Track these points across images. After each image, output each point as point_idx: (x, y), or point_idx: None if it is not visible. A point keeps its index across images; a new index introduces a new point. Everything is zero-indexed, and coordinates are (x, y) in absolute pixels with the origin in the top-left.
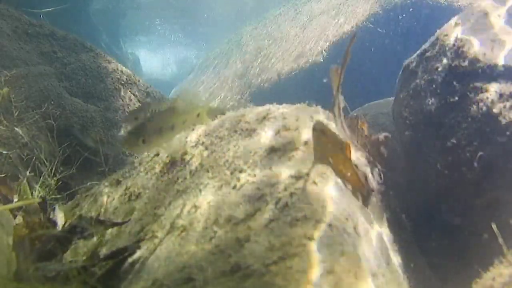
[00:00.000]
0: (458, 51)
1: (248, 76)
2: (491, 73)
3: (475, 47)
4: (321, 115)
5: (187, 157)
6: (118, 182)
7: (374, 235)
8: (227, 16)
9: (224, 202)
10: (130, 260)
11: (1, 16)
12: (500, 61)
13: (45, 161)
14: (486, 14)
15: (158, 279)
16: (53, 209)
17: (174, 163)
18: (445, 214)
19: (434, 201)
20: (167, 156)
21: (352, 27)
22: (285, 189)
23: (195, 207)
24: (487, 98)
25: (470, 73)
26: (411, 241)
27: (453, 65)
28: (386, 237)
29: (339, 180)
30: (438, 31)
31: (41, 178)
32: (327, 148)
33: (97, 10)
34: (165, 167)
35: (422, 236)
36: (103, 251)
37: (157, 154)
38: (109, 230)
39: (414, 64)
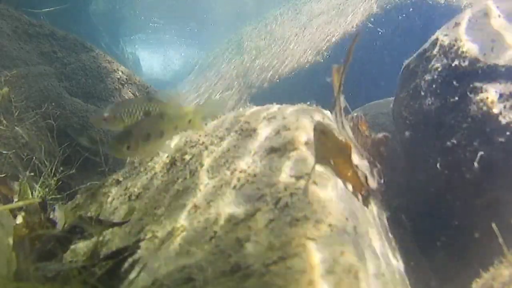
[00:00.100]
0: (458, 51)
1: (248, 76)
2: (491, 73)
3: (475, 47)
4: (321, 115)
5: (187, 157)
6: (118, 182)
7: (374, 235)
8: (227, 16)
9: (224, 202)
10: (130, 260)
11: (1, 16)
12: (500, 61)
13: (45, 161)
14: (486, 14)
15: (158, 279)
16: (53, 209)
17: (174, 163)
18: (444, 214)
19: (434, 201)
20: (167, 156)
21: (352, 27)
22: (285, 189)
23: (195, 207)
24: (487, 98)
25: (470, 73)
26: (411, 241)
27: (453, 65)
28: (386, 236)
29: (339, 180)
30: (438, 31)
31: (41, 178)
32: (327, 148)
33: (97, 10)
34: (165, 167)
35: (422, 236)
36: (103, 251)
37: (157, 154)
38: (109, 230)
39: (414, 64)
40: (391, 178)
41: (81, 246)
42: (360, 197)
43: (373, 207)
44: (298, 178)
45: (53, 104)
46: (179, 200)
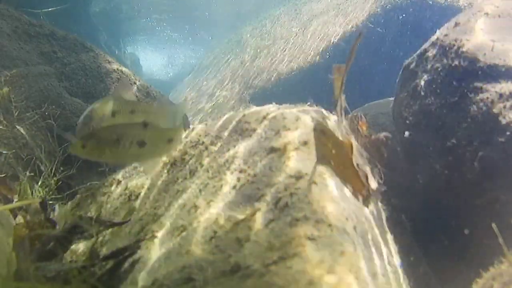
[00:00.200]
0: (458, 51)
1: (248, 76)
2: (491, 73)
3: (475, 47)
4: (322, 115)
5: (187, 157)
6: (118, 182)
7: (374, 235)
8: (227, 16)
9: (224, 202)
10: (130, 260)
11: (1, 16)
12: (501, 61)
13: (45, 161)
14: (486, 14)
15: (158, 279)
16: (53, 209)
17: (174, 163)
18: (444, 214)
19: (434, 201)
20: (167, 156)
21: (352, 27)
22: (285, 189)
23: (195, 207)
24: (487, 98)
25: (470, 73)
26: (411, 241)
27: (453, 65)
28: (386, 236)
29: (339, 180)
30: (438, 31)
31: (41, 178)
32: (327, 148)
33: (97, 10)
34: (165, 167)
35: (422, 236)
36: (103, 251)
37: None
38: (109, 230)
39: (414, 64)
40: (391, 178)
41: (81, 246)
42: (360, 197)
43: (373, 207)
44: (298, 178)
45: (53, 104)
46: (179, 200)
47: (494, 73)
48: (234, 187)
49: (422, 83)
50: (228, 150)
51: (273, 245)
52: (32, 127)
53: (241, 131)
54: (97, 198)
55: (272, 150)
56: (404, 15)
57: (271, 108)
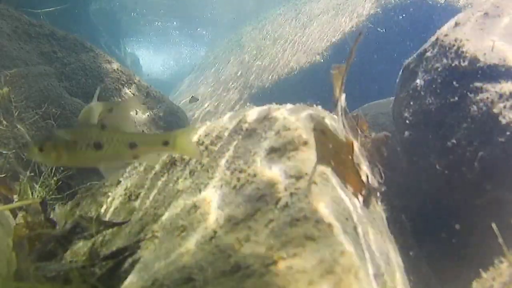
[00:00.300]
0: (458, 51)
1: (248, 76)
2: (491, 73)
3: (475, 47)
4: (322, 115)
5: (187, 157)
6: (118, 182)
7: (374, 235)
8: (227, 16)
9: (224, 202)
10: (130, 260)
11: (1, 16)
12: (501, 61)
13: None
14: (486, 14)
15: (158, 279)
16: (53, 209)
17: (174, 163)
18: (444, 214)
19: (434, 201)
20: (167, 156)
21: (352, 27)
22: (285, 189)
23: (195, 207)
24: (487, 98)
25: (470, 73)
26: (411, 241)
27: (453, 65)
28: (386, 237)
29: (339, 180)
30: (438, 31)
31: (41, 178)
32: (327, 148)
33: (97, 10)
34: (165, 167)
35: (422, 236)
36: (103, 251)
37: (157, 155)
38: (109, 230)
39: (414, 64)
40: (391, 178)
41: (81, 246)
42: (360, 197)
43: (373, 207)
44: (298, 178)
45: (53, 104)
46: (179, 200)
47: (494, 73)
48: (234, 187)
49: (422, 83)
50: (228, 150)
51: (273, 245)
52: (32, 127)
53: (241, 131)
54: (97, 198)
55: (272, 150)
56: (404, 15)
57: (271, 108)
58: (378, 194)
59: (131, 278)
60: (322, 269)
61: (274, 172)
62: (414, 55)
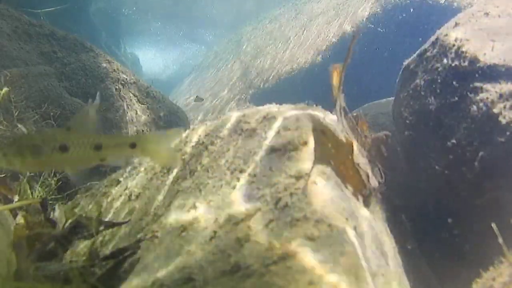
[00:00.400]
0: (458, 51)
1: (248, 76)
2: (491, 73)
3: (475, 47)
4: (322, 115)
5: (187, 157)
6: (118, 182)
7: (374, 235)
8: (227, 16)
9: (224, 202)
10: (130, 260)
11: (1, 16)
12: (501, 61)
13: None
14: (486, 14)
15: (158, 279)
16: (53, 209)
17: None
18: (444, 214)
19: (434, 201)
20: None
21: (352, 27)
22: (285, 189)
23: (195, 207)
24: (487, 98)
25: (470, 73)
26: (411, 241)
27: (453, 65)
28: (386, 236)
29: (339, 180)
30: (438, 31)
31: (41, 178)
32: (327, 148)
33: (97, 10)
34: (165, 167)
35: (422, 236)
36: (103, 251)
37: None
38: (109, 230)
39: (414, 64)
40: (391, 178)
41: (81, 246)
42: (360, 197)
43: (374, 207)
44: (298, 178)
45: (53, 104)
46: (179, 200)
47: (494, 73)
48: (234, 187)
49: (422, 83)
50: (228, 150)
51: (273, 245)
52: (32, 127)
53: (241, 131)
54: (97, 198)
55: (272, 150)
56: (404, 15)
57: (271, 108)
58: (378, 194)
59: (131, 278)
60: (322, 269)
61: (274, 172)
62: (414, 55)
